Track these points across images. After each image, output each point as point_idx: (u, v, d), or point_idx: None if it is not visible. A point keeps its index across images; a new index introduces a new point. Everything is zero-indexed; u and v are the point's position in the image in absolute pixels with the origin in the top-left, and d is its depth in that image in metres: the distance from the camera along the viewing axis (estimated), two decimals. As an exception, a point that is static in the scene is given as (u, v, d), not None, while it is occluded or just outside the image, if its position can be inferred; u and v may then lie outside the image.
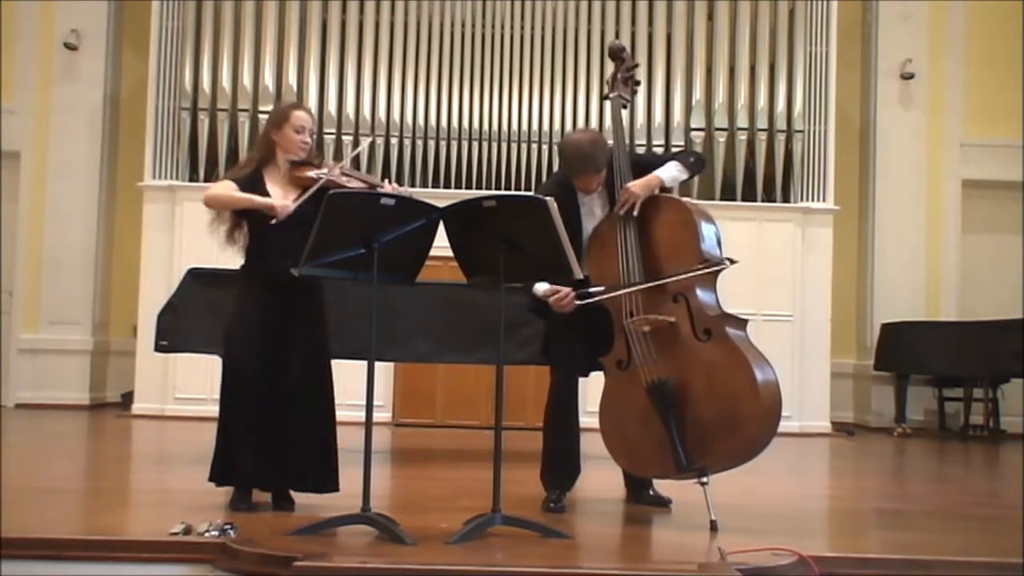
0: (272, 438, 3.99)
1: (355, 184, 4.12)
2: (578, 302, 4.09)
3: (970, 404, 8.47)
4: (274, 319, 4.04)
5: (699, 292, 3.98)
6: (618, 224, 4.12)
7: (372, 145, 8.54)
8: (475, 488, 4.43)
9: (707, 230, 4.07)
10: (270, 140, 4.18)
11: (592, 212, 4.30)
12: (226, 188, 4.11)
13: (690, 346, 3.94)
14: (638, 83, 4.54)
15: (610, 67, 8.67)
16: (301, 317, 4.09)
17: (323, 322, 4.18)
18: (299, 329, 4.07)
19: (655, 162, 4.29)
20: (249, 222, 4.11)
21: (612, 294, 4.06)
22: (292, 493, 4.11)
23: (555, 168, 8.48)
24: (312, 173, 4.09)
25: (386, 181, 4.22)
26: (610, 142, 4.31)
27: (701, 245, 4.00)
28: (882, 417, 8.97)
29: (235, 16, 8.61)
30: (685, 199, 4.28)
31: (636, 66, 4.45)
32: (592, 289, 4.09)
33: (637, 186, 4.10)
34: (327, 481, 4.07)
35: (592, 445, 4.45)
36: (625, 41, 8.66)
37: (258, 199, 4.04)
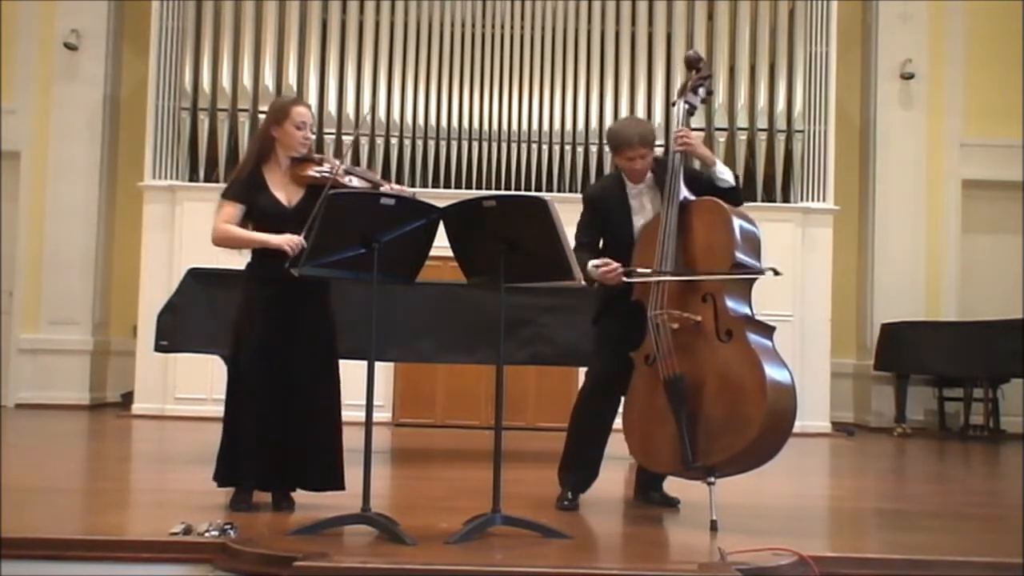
0: (278, 439, 3.97)
1: (359, 182, 4.10)
2: (625, 279, 4.11)
3: (970, 404, 8.47)
4: (281, 318, 4.02)
5: (728, 295, 4.00)
6: (662, 222, 4.14)
7: (372, 145, 8.54)
8: (475, 488, 4.42)
9: (745, 237, 4.08)
10: (270, 136, 4.12)
11: (643, 207, 4.36)
12: (228, 225, 4.03)
13: (710, 345, 3.96)
14: (711, 92, 4.62)
15: (610, 67, 8.78)
16: (308, 316, 4.07)
17: (330, 320, 4.16)
18: (306, 327, 4.05)
19: (706, 181, 4.35)
20: (254, 221, 4.09)
21: (658, 278, 4.08)
22: (292, 493, 4.10)
23: (555, 168, 8.51)
24: (315, 171, 4.06)
25: (386, 183, 4.20)
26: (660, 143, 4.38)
27: (735, 251, 4.02)
28: (882, 417, 8.97)
29: (235, 16, 8.61)
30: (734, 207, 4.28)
31: (709, 76, 4.56)
32: (640, 269, 4.13)
33: (694, 136, 4.30)
34: (331, 479, 4.05)
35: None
36: (625, 41, 8.69)
37: (271, 239, 3.97)
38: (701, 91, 4.50)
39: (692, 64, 4.54)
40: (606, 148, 7.12)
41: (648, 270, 4.12)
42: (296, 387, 4.01)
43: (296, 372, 4.01)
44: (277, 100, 4.40)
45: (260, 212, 4.05)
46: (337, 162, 4.16)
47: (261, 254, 4.07)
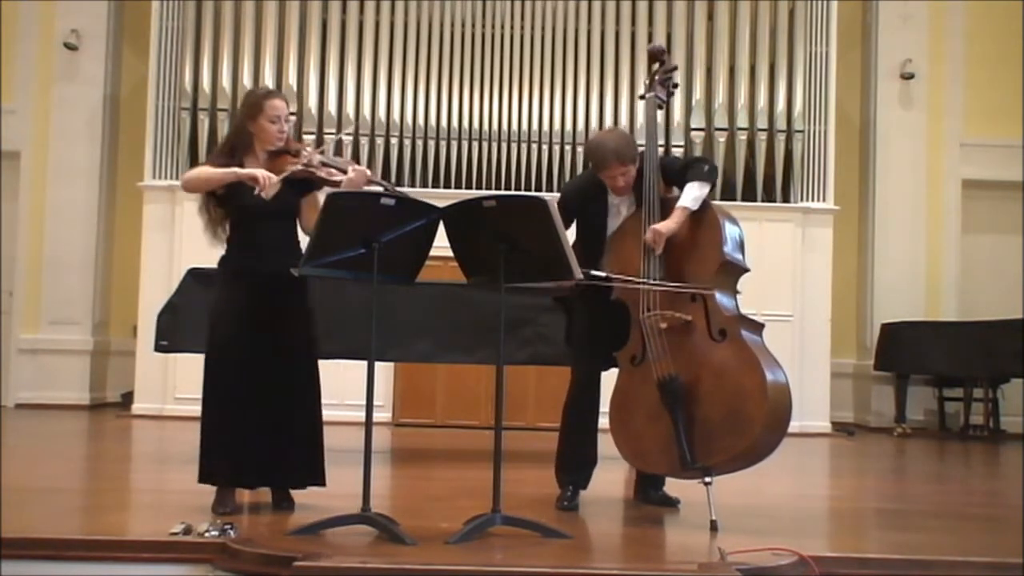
0: (257, 435, 3.92)
1: (328, 171, 4.01)
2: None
3: (970, 404, 8.47)
4: (258, 313, 3.95)
5: (717, 293, 3.99)
6: (644, 221, 4.12)
7: (372, 145, 8.54)
8: (475, 488, 4.43)
9: (730, 234, 4.08)
10: (246, 131, 4.05)
11: (619, 212, 4.33)
12: (206, 168, 3.98)
13: (704, 345, 3.96)
14: (676, 85, 4.55)
15: (610, 67, 8.79)
16: (286, 312, 4.00)
17: (309, 316, 4.10)
18: (284, 323, 3.99)
19: (678, 169, 4.27)
20: (232, 214, 4.02)
21: (616, 283, 4.07)
22: (292, 493, 4.09)
23: (555, 168, 8.51)
24: (291, 166, 3.98)
25: (351, 167, 4.05)
26: (640, 141, 4.33)
27: (723, 248, 4.02)
28: (882, 417, 8.97)
29: (235, 16, 8.61)
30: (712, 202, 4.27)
31: (675, 68, 4.49)
32: (594, 272, 4.10)
33: (664, 227, 4.07)
34: (313, 476, 4.02)
35: (598, 445, 4.45)
36: (625, 41, 8.69)
37: (242, 171, 3.88)
38: (668, 84, 4.44)
39: (656, 57, 4.45)
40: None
41: (602, 273, 4.09)
42: (275, 384, 3.95)
43: (274, 369, 3.95)
44: (251, 94, 4.24)
45: (238, 204, 3.96)
46: (313, 151, 4.08)
47: (237, 247, 4.02)
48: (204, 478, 4.01)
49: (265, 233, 3.96)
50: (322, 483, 4.04)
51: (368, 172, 4.09)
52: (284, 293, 4.00)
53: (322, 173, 4.02)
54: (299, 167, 3.97)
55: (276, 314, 3.99)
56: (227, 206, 4.02)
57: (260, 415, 3.94)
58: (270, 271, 3.94)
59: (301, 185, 4.02)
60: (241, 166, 4.00)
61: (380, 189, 4.01)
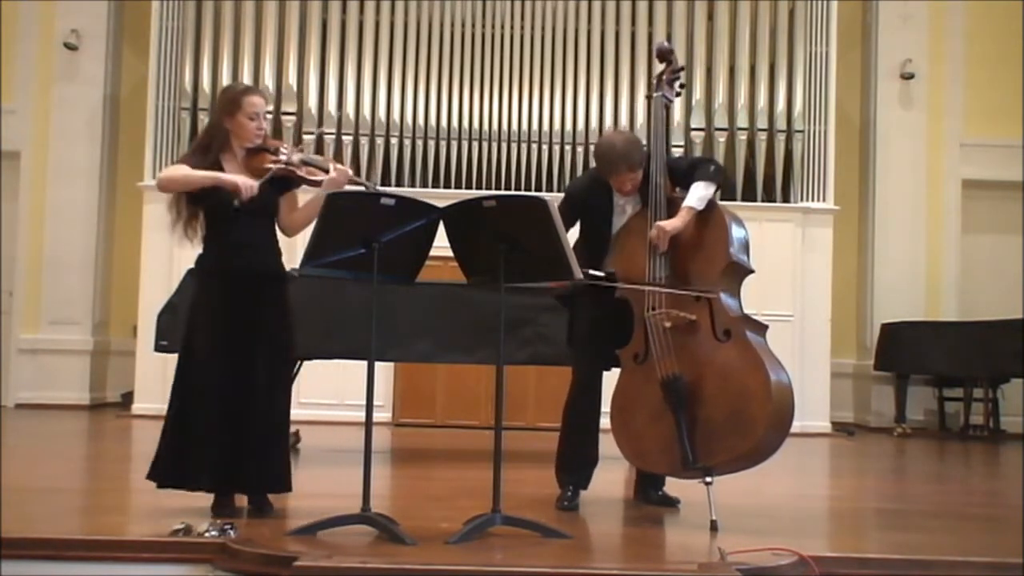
0: (231, 439, 3.83)
1: (309, 170, 3.98)
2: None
3: (970, 404, 8.47)
4: (235, 313, 3.88)
5: (722, 293, 4.00)
6: (650, 220, 4.12)
7: (372, 145, 8.54)
8: (475, 488, 4.43)
9: (737, 235, 4.08)
10: (223, 128, 3.97)
11: (624, 211, 4.33)
12: (184, 168, 3.90)
13: (708, 345, 3.96)
14: (683, 85, 4.54)
15: (610, 67, 8.78)
16: (264, 311, 3.92)
17: (287, 317, 4.02)
18: (262, 324, 3.91)
19: (684, 169, 4.27)
20: (207, 212, 3.94)
21: (618, 284, 4.08)
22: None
23: (555, 168, 8.51)
24: (270, 164, 3.95)
25: (332, 166, 4.02)
26: (644, 141, 4.34)
27: (730, 249, 4.02)
28: (882, 417, 8.97)
29: (235, 16, 8.61)
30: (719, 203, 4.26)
31: (682, 68, 4.47)
32: (594, 272, 4.10)
33: (670, 224, 4.07)
34: (279, 481, 3.94)
35: (599, 445, 4.45)
36: (625, 41, 8.69)
37: (224, 177, 3.83)
38: (676, 84, 4.43)
39: (664, 56, 4.42)
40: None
41: (601, 273, 4.10)
42: (246, 386, 3.86)
43: (248, 370, 3.87)
44: (229, 90, 4.12)
45: (216, 203, 3.88)
46: (292, 149, 4.05)
47: (215, 246, 3.96)
48: (152, 476, 3.90)
49: (243, 231, 3.90)
50: (287, 488, 3.96)
51: (350, 172, 4.05)
52: (262, 292, 3.93)
53: (302, 172, 3.98)
54: (279, 166, 3.94)
55: (253, 314, 3.90)
56: (201, 204, 3.94)
57: (227, 417, 3.84)
58: (248, 270, 3.90)
59: (280, 183, 3.97)
60: (218, 163, 3.95)
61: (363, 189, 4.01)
